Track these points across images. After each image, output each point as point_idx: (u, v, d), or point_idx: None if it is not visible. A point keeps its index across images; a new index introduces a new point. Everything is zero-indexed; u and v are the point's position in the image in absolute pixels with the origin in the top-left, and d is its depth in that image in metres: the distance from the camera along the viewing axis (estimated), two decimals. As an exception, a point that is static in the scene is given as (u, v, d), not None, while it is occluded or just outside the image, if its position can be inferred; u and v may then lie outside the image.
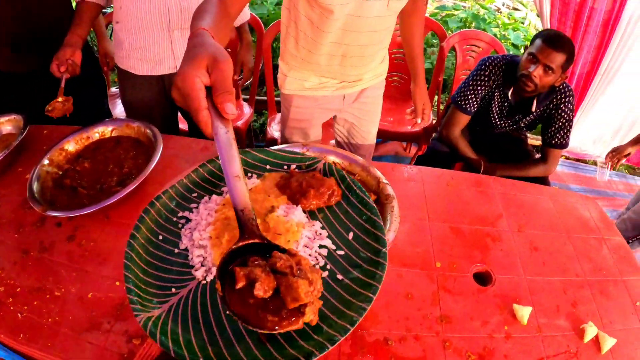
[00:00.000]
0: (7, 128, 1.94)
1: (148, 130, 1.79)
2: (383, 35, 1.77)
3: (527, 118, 2.50)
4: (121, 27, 2.08)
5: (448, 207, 1.67)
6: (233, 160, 0.85)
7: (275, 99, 3.28)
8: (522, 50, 2.85)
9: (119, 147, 1.80)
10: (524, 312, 1.31)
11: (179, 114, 2.53)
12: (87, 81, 2.21)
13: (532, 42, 2.25)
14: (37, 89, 2.13)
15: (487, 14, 5.62)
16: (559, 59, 2.14)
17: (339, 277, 1.02)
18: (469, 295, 1.37)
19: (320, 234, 1.11)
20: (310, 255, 1.07)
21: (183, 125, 2.78)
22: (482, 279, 1.45)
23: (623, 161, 2.79)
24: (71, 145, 1.78)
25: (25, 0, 2.06)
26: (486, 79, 2.42)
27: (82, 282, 1.37)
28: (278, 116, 3.28)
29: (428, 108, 2.20)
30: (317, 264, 1.06)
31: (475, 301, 1.36)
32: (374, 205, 1.15)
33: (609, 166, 2.73)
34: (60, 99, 1.93)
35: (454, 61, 3.45)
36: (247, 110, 3.30)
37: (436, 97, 3.59)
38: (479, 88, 2.44)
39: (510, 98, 2.42)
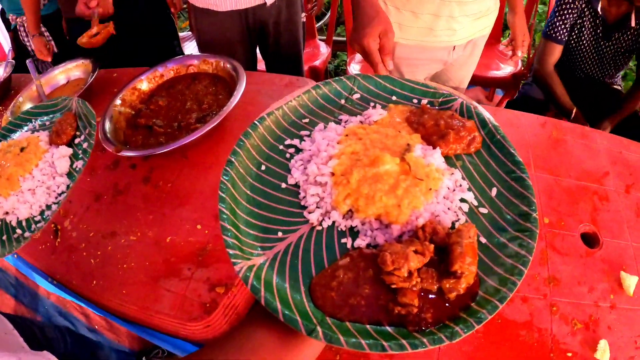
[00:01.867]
0: (76, 73, 1.97)
1: (228, 65, 1.66)
2: None
3: (626, 36, 2.36)
4: None
5: (554, 159, 1.51)
6: None
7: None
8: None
9: (196, 84, 1.68)
10: (630, 282, 1.20)
11: (258, 51, 2.37)
12: (155, 26, 2.20)
13: None
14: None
15: None
16: None
17: (482, 240, 0.82)
18: (577, 257, 1.25)
19: (461, 185, 0.90)
20: (449, 209, 0.86)
21: (260, 65, 2.62)
22: (590, 240, 1.32)
23: None
24: (144, 84, 1.69)
25: None
26: (574, 2, 2.36)
27: (159, 225, 1.28)
28: (358, 56, 3.14)
29: (527, 39, 2.06)
30: (458, 220, 0.86)
31: (583, 264, 1.24)
32: (521, 160, 0.93)
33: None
34: (94, 30, 1.75)
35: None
36: (324, 49, 3.25)
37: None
38: (565, 13, 2.39)
39: (604, 15, 2.33)
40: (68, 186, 1.23)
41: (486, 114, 1.00)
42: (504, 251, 0.80)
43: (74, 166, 1.28)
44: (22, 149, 1.32)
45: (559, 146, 1.56)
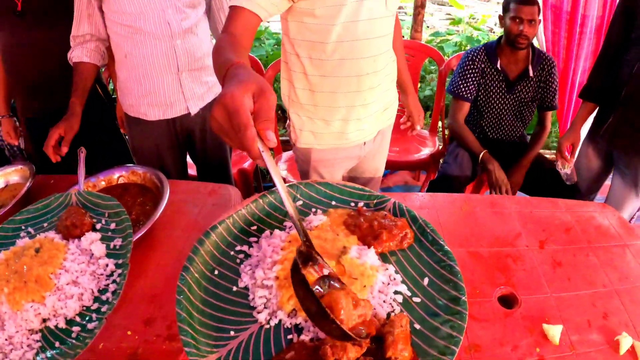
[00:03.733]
0: (14, 178, 1.94)
1: (154, 177, 1.75)
2: (388, 41, 1.73)
3: (528, 87, 2.76)
4: (128, 76, 2.08)
5: (464, 231, 1.59)
6: (280, 176, 0.82)
7: (280, 137, 3.42)
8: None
9: (126, 195, 1.75)
10: (554, 332, 1.22)
11: (188, 157, 2.51)
12: (106, 145, 2.37)
13: (506, 8, 2.63)
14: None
15: (480, 35, 5.74)
16: (535, 10, 2.53)
17: (417, 326, 0.92)
18: (496, 321, 1.28)
19: (395, 278, 1.01)
20: (385, 302, 0.96)
21: (192, 170, 2.75)
22: (508, 301, 1.37)
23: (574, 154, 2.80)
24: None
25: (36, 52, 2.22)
26: (472, 64, 2.75)
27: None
28: (284, 155, 3.30)
29: (421, 113, 2.19)
30: (393, 311, 0.95)
31: (503, 325, 1.26)
32: (449, 249, 1.05)
33: (562, 163, 2.64)
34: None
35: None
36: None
37: (440, 123, 3.57)
38: (467, 74, 2.76)
39: (505, 72, 2.72)
40: (116, 264, 1.21)
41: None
42: (437, 334, 0.90)
43: (112, 246, 1.26)
44: (36, 250, 1.23)
45: (469, 218, 1.66)
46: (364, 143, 1.89)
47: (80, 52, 2.08)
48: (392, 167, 3.26)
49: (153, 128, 2.17)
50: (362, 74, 1.66)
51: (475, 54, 2.76)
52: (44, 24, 2.21)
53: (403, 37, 2.16)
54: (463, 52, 2.96)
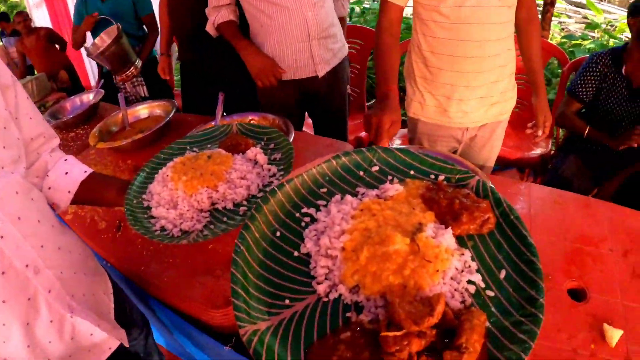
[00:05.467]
0: (157, 111, 2.38)
1: (282, 123, 2.02)
2: (500, 30, 1.77)
3: None
4: (262, 43, 2.38)
5: (551, 222, 1.61)
6: None
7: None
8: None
9: None
10: (614, 334, 1.21)
11: (307, 115, 2.81)
12: (241, 96, 2.72)
13: (635, 11, 2.62)
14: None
15: (616, 44, 5.25)
16: None
17: (487, 323, 0.83)
18: (561, 308, 1.31)
19: (470, 266, 0.91)
20: (456, 290, 0.87)
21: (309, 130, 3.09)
22: (577, 295, 1.36)
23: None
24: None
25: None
26: (594, 66, 2.62)
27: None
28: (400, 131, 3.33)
29: (549, 120, 2.13)
30: (463, 301, 0.86)
31: (566, 314, 1.28)
32: (533, 243, 0.94)
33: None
34: None
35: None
36: None
37: (555, 128, 3.42)
38: (587, 75, 2.65)
39: (629, 78, 2.53)
40: (278, 169, 1.46)
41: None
42: (506, 335, 0.81)
43: (272, 158, 1.52)
44: (208, 157, 1.48)
45: (560, 212, 1.65)
46: (467, 129, 1.97)
47: (227, 12, 2.39)
48: (500, 162, 3.18)
49: (282, 87, 2.44)
50: (467, 55, 1.77)
51: (599, 57, 2.63)
52: None
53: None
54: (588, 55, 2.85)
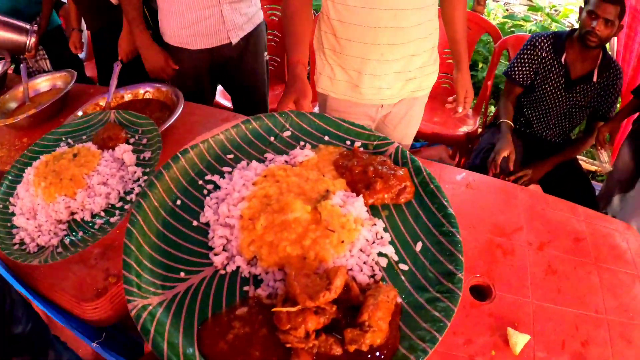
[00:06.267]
0: (58, 83, 2.21)
1: (173, 95, 1.90)
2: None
3: (587, 91, 2.54)
4: (170, 9, 2.18)
5: (460, 209, 1.40)
6: None
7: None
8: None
9: (147, 108, 1.93)
10: (518, 340, 1.08)
11: (222, 88, 2.71)
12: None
13: (587, 1, 2.39)
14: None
15: (558, 28, 5.22)
16: (614, 10, 2.28)
17: (398, 299, 0.77)
18: (459, 308, 1.10)
19: (382, 237, 0.86)
20: (365, 263, 0.82)
21: (227, 102, 3.02)
22: (481, 293, 1.24)
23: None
24: (104, 102, 1.93)
25: None
26: (535, 50, 2.56)
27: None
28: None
29: (470, 96, 2.01)
30: (374, 275, 0.80)
31: (465, 316, 1.14)
32: (453, 213, 0.89)
33: (598, 149, 2.54)
34: None
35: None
36: None
37: (484, 105, 3.31)
38: (525, 59, 2.58)
39: (568, 68, 2.51)
40: (143, 172, 1.37)
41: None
42: (420, 313, 0.76)
43: (141, 157, 1.43)
44: (74, 155, 1.41)
45: (471, 198, 1.54)
46: (381, 106, 1.82)
47: None
48: (426, 138, 3.10)
49: (193, 56, 2.28)
50: (379, 26, 1.58)
51: (539, 40, 2.57)
52: None
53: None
54: (523, 34, 2.86)
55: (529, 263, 1.32)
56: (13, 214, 1.34)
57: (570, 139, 2.79)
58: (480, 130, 3.17)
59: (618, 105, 2.57)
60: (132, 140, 1.50)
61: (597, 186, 2.86)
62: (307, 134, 1.03)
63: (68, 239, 1.25)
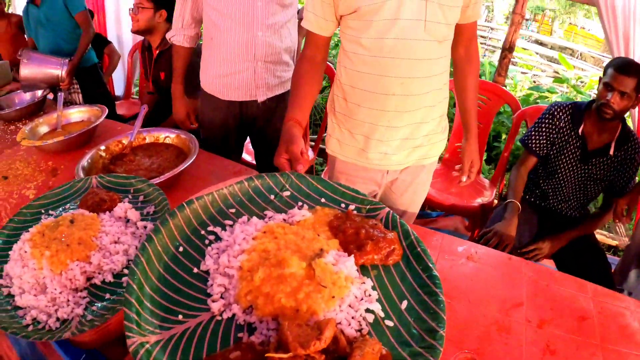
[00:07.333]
0: (89, 116, 2.38)
1: (192, 144, 1.91)
2: (428, 67, 1.60)
3: (603, 164, 2.48)
4: (209, 57, 2.30)
5: (457, 281, 1.40)
6: None
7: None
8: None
9: (165, 153, 1.97)
10: None
11: (249, 142, 2.74)
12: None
13: (604, 72, 2.37)
14: None
15: (583, 100, 5.36)
16: (631, 83, 2.25)
17: (383, 351, 0.82)
18: None
19: (370, 295, 0.92)
20: (353, 318, 0.87)
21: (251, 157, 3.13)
22: None
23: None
24: (127, 140, 1.97)
25: None
26: (553, 120, 2.52)
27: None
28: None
29: (476, 166, 1.99)
30: (360, 329, 0.86)
31: None
32: (437, 275, 0.95)
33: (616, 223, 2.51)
34: None
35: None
36: (311, 154, 3.41)
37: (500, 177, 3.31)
38: (543, 128, 2.54)
39: (585, 140, 2.46)
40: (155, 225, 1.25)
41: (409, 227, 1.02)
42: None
43: (144, 212, 1.36)
44: (71, 221, 1.28)
45: (471, 271, 1.47)
46: (387, 172, 1.82)
47: (182, 38, 2.39)
48: (442, 208, 3.08)
49: (223, 107, 2.37)
50: (387, 92, 1.60)
51: (558, 110, 2.53)
52: None
53: (482, 77, 2.01)
54: (541, 105, 2.76)
55: (525, 342, 1.22)
56: (10, 295, 1.17)
57: (588, 213, 2.71)
58: (496, 202, 3.12)
59: (638, 178, 2.50)
60: (126, 200, 1.41)
61: (617, 261, 2.74)
62: (305, 195, 1.10)
63: (96, 305, 1.10)
